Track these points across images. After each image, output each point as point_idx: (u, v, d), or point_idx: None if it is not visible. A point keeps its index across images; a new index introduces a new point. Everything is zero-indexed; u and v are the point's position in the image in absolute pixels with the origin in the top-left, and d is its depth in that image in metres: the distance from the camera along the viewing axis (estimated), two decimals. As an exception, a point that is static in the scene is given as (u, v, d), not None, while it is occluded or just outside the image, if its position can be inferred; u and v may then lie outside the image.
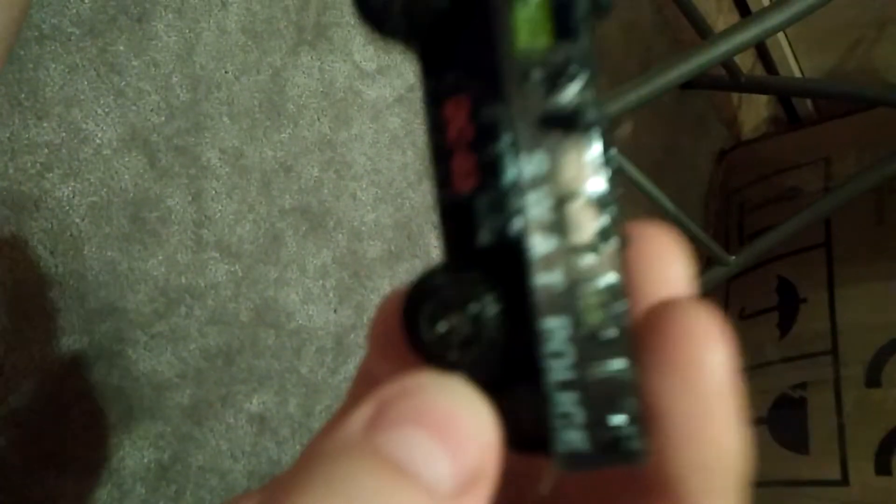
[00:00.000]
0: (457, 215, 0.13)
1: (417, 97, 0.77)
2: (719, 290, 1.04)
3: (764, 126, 1.31)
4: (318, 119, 0.68)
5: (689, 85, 1.12)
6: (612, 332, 0.12)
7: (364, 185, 0.71)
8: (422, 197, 0.77)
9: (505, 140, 0.12)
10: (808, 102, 1.29)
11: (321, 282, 0.67)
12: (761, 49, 1.23)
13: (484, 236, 0.12)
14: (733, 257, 0.95)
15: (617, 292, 0.12)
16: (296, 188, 0.66)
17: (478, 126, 0.12)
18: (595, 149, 0.12)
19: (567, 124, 0.12)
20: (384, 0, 0.12)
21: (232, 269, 0.60)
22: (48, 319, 0.50)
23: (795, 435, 0.85)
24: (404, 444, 0.10)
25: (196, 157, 0.59)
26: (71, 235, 0.51)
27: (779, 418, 0.87)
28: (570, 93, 0.12)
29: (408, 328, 0.12)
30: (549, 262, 0.12)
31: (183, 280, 0.57)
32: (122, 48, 0.55)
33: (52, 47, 0.51)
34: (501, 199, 0.12)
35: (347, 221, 0.70)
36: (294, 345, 0.64)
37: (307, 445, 0.13)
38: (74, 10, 0.52)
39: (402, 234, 0.74)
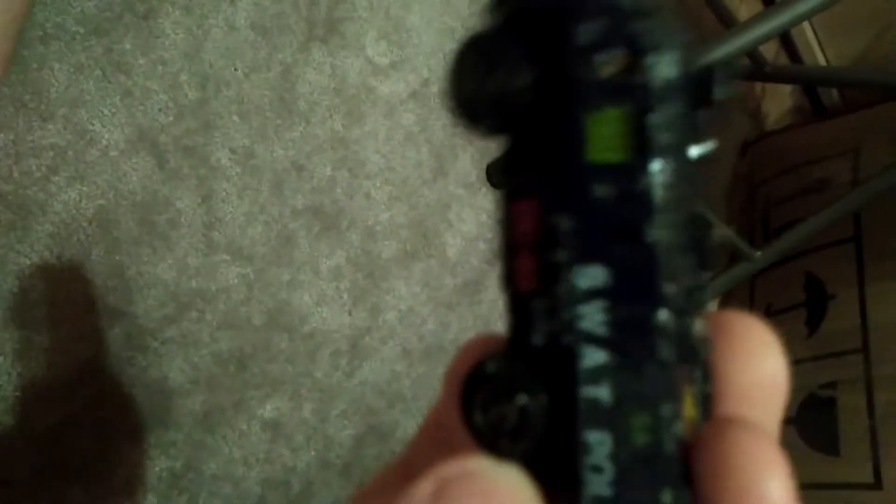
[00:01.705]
0: (517, 310, 0.13)
1: (432, 93, 0.75)
2: (744, 286, 1.01)
3: (788, 117, 1.28)
4: (331, 116, 0.66)
5: (712, 75, 1.09)
6: (659, 458, 0.11)
7: (378, 184, 0.70)
8: (437, 195, 0.75)
9: (564, 250, 0.12)
10: (834, 92, 1.25)
11: (335, 283, 0.65)
12: (785, 37, 1.19)
13: (537, 338, 0.12)
14: (759, 252, 0.92)
15: (670, 417, 0.11)
16: (308, 188, 0.64)
17: (542, 231, 0.12)
18: (656, 267, 0.11)
19: (631, 240, 0.11)
20: (475, 94, 0.12)
21: (244, 271, 0.59)
22: (56, 326, 0.49)
23: (825, 436, 0.83)
24: None
25: (205, 158, 0.57)
26: (78, 240, 0.50)
27: (807, 419, 0.85)
28: (636, 210, 0.11)
29: (463, 410, 0.12)
30: (597, 375, 0.12)
31: (194, 284, 0.56)
32: (128, 46, 0.53)
33: (57, 47, 0.50)
34: (556, 307, 0.12)
35: (361, 221, 0.68)
36: (308, 348, 0.62)
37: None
38: (79, 8, 0.51)
39: (417, 233, 0.73)
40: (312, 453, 0.61)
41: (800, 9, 0.67)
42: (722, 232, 0.87)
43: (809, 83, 1.25)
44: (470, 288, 0.77)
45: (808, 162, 1.11)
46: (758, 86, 1.23)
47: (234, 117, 0.59)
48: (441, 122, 0.76)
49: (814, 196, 1.05)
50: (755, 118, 1.22)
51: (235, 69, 0.59)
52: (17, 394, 0.47)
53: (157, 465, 0.53)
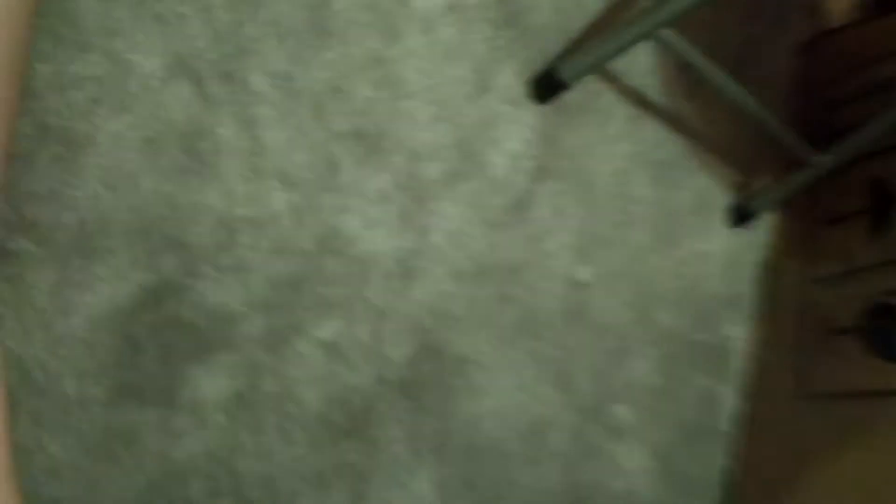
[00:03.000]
0: None
1: (470, 4, 0.72)
2: (806, 193, 0.97)
3: (850, 13, 1.19)
4: (367, 34, 0.64)
5: (767, -29, 1.02)
6: None
7: (419, 104, 0.68)
8: (480, 112, 0.73)
9: None
10: (903, -19, 1.16)
11: (382, 206, 0.65)
12: (849, -77, 1.10)
13: None
14: (820, 157, 0.88)
15: None
16: (349, 110, 0.63)
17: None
18: None
19: None
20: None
21: (291, 197, 0.59)
22: (114, 257, 0.50)
23: (889, 343, 0.80)
24: None
25: (244, 83, 0.56)
26: (127, 171, 0.51)
27: (871, 326, 0.82)
28: None
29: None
30: None
31: (243, 211, 0.56)
32: (158, -29, 0.52)
33: (88, -26, 0.49)
34: None
35: (404, 142, 0.67)
36: (359, 271, 0.63)
37: None
38: (106, -67, 0.49)
39: (461, 153, 0.71)
40: (369, 371, 0.62)
41: None
42: (782, 135, 0.83)
43: (875, -27, 1.16)
44: (518, 206, 0.76)
45: (871, 61, 1.04)
46: (817, -20, 1.14)
47: (270, 40, 0.58)
48: (481, 35, 0.73)
49: (878, 97, 0.99)
50: (814, 15, 1.15)
51: (268, -11, 0.58)
52: (83, 322, 0.49)
53: (222, 387, 0.55)
